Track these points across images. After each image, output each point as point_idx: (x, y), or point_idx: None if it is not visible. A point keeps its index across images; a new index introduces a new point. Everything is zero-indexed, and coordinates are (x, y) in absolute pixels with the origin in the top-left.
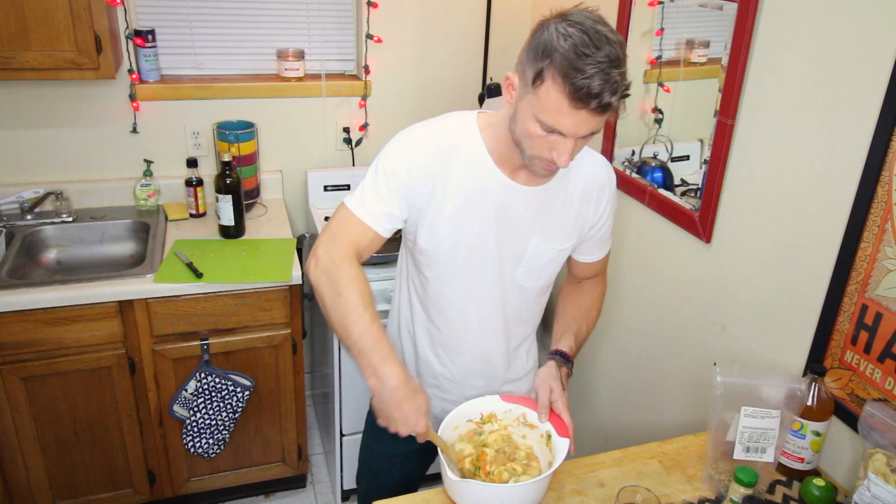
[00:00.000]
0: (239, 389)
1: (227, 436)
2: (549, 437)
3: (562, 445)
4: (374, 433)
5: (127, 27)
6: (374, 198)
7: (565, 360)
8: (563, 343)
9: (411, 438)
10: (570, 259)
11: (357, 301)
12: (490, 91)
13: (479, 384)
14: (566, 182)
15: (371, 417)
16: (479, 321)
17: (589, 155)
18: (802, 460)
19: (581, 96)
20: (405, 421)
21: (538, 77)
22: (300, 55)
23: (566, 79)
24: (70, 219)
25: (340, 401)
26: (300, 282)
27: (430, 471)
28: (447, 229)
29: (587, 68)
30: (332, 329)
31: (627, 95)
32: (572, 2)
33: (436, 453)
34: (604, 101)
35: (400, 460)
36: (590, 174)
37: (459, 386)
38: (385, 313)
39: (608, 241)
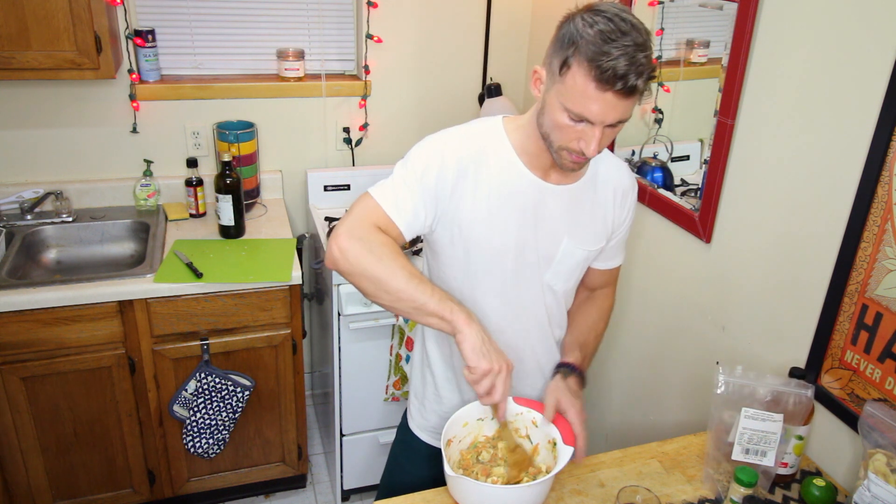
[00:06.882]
0: (239, 389)
1: (227, 436)
2: (555, 443)
3: (565, 453)
4: (407, 448)
5: (127, 27)
6: (401, 191)
7: (571, 370)
8: (570, 356)
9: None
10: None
11: (403, 268)
12: (490, 91)
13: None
14: (595, 183)
15: (403, 430)
16: (515, 322)
17: (614, 160)
18: (787, 465)
19: (607, 78)
20: (498, 365)
21: (564, 65)
22: (300, 55)
23: (592, 62)
24: (70, 219)
25: (340, 401)
26: (300, 282)
27: None
28: (480, 231)
29: (613, 51)
30: (382, 294)
31: (653, 78)
32: (572, 1)
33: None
34: (629, 82)
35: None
36: (617, 178)
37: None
38: None
39: (623, 249)
